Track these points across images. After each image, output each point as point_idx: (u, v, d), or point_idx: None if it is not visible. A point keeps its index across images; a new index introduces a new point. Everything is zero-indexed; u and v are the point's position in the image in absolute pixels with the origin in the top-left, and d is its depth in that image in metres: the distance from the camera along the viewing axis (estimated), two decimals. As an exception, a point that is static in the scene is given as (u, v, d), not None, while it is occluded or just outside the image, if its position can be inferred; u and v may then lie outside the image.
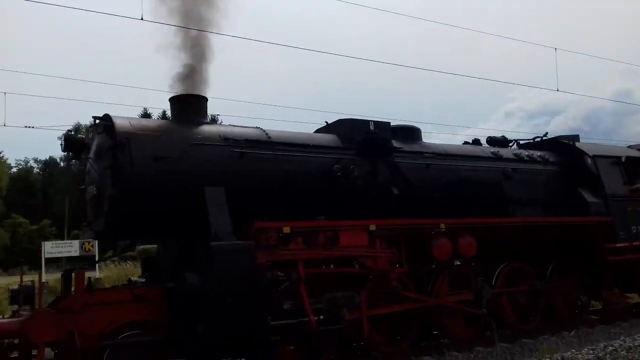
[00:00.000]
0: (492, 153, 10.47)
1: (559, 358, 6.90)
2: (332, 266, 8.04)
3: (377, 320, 8.11)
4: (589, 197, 10.80)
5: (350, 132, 8.88)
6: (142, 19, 8.92)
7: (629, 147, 12.94)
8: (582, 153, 11.21)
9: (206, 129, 7.73)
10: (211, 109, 9.54)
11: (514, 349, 8.84)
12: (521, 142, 12.09)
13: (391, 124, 9.68)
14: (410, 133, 9.93)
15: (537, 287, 10.02)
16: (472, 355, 8.47)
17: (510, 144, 11.67)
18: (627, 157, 11.57)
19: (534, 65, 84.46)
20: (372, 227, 7.91)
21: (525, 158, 10.83)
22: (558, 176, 11.01)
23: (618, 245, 10.73)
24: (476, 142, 11.09)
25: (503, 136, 11.59)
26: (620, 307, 11.04)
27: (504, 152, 10.75)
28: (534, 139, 12.07)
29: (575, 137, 12.16)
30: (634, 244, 10.97)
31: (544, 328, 9.92)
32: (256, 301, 6.60)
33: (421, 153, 9.48)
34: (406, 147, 9.38)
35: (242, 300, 6.50)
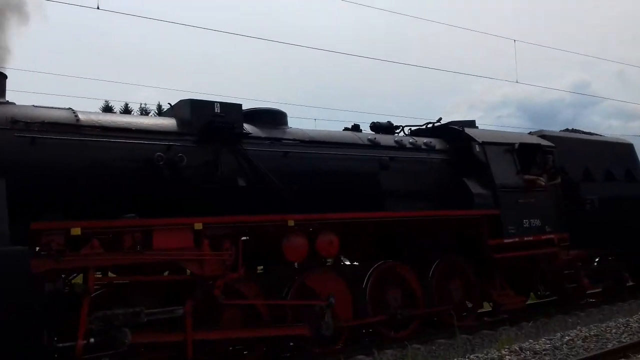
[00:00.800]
0: (370, 140, 9.41)
1: (517, 348, 7.17)
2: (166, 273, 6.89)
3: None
4: (475, 188, 9.88)
5: (192, 116, 7.66)
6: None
7: (529, 133, 12.11)
8: (469, 139, 10.28)
9: (-9, 109, 6.38)
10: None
11: (475, 340, 8.81)
12: (413, 128, 11.11)
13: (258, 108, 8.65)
14: (272, 117, 8.78)
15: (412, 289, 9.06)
16: (433, 347, 8.35)
17: (398, 130, 10.68)
18: (521, 144, 10.70)
19: (494, 58, 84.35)
20: (198, 226, 6.71)
21: (408, 146, 9.82)
22: (445, 165, 10.06)
23: (506, 240, 9.87)
24: (355, 127, 10.00)
25: (389, 122, 10.57)
26: (510, 309, 10.20)
27: (384, 139, 9.71)
28: (426, 124, 11.09)
29: (471, 123, 11.24)
30: (526, 239, 10.15)
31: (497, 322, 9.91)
32: (29, 320, 5.35)
33: (279, 139, 8.34)
34: (262, 133, 8.24)
35: (11, 318, 5.26)
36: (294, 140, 8.46)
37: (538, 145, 11.02)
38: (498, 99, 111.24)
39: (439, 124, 10.99)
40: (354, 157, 8.95)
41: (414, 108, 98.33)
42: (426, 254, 9.41)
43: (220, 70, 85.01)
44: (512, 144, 10.59)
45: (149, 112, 38.16)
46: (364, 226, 8.77)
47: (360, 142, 9.29)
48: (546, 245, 10.50)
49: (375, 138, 9.52)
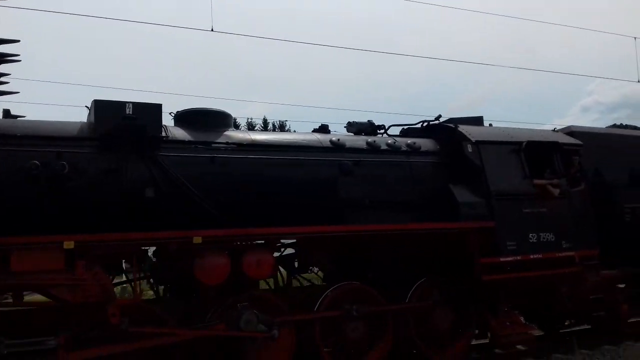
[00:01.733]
0: (332, 142, 8.10)
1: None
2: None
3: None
4: (462, 196, 8.25)
5: (97, 118, 6.79)
6: None
7: (553, 130, 10.16)
8: (462, 138, 8.67)
9: None
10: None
11: (595, 356, 8.36)
12: (404, 127, 9.65)
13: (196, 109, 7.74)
14: (209, 119, 7.72)
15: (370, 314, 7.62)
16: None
17: (382, 131, 9.25)
18: (530, 143, 8.90)
19: (612, 56, 78.06)
20: (68, 245, 5.78)
21: (383, 147, 8.41)
22: (432, 169, 8.50)
23: (503, 259, 8.16)
24: (323, 128, 8.71)
25: (369, 121, 9.18)
26: (514, 342, 8.43)
27: (352, 140, 8.37)
28: (422, 122, 9.57)
29: (477, 120, 9.58)
30: (533, 257, 8.37)
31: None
32: None
33: (208, 143, 7.28)
34: (189, 137, 7.22)
35: None
36: (227, 144, 7.37)
37: (555, 144, 9.14)
38: (616, 99, 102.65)
39: (435, 122, 9.43)
40: (305, 162, 7.69)
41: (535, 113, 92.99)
42: (400, 275, 7.96)
43: (329, 82, 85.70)
44: (518, 143, 8.83)
45: (255, 126, 38.18)
46: (320, 242, 7.52)
47: (319, 144, 8.01)
48: (564, 265, 8.64)
49: (339, 140, 8.20)
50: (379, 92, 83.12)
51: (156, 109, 7.06)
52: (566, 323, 10.07)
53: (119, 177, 6.53)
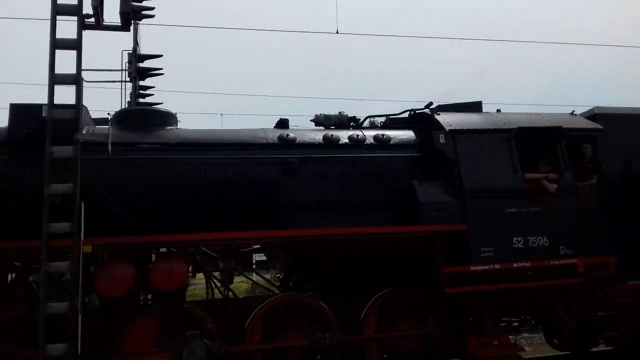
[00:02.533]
0: (280, 138, 7.37)
1: None
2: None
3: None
4: (426, 195, 7.12)
5: (12, 122, 6.64)
6: None
7: (571, 114, 8.51)
8: (435, 128, 7.52)
9: None
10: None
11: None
12: (393, 117, 8.62)
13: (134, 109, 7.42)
14: (149, 118, 7.34)
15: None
16: None
17: (357, 122, 8.30)
18: (522, 130, 7.51)
19: None
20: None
21: (343, 142, 7.53)
22: (403, 165, 7.48)
23: (475, 267, 6.97)
24: (282, 123, 7.95)
25: (340, 112, 8.27)
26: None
27: (306, 135, 7.57)
28: (410, 111, 8.49)
29: (475, 105, 8.33)
30: (517, 265, 7.08)
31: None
32: None
33: (133, 144, 6.88)
34: (114, 138, 6.86)
35: None
36: (152, 143, 6.93)
37: (556, 130, 7.65)
38: None
39: (422, 111, 8.31)
40: (240, 161, 7.04)
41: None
42: (354, 286, 7.09)
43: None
44: (507, 130, 7.50)
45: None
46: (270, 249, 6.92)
47: (263, 141, 7.33)
48: (564, 275, 7.24)
49: (288, 135, 7.44)
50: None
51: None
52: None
53: (26, 183, 6.33)
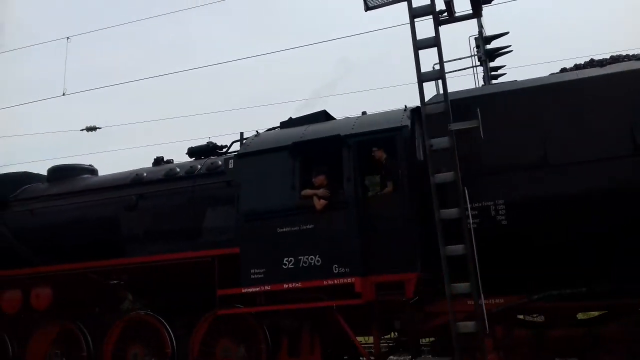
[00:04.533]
0: (133, 179, 8.78)
1: None
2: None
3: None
4: (210, 221, 7.73)
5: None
6: None
7: (405, 110, 7.18)
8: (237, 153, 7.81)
9: None
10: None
11: None
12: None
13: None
14: (69, 174, 9.64)
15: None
16: None
17: (222, 151, 8.92)
18: (298, 145, 7.15)
19: None
20: None
21: (180, 174, 8.47)
22: (209, 192, 8.05)
23: (245, 290, 7.13)
24: (157, 162, 9.20)
25: (209, 142, 9.03)
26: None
27: (153, 172, 8.75)
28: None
29: (315, 117, 8.09)
30: (287, 286, 6.95)
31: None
32: None
33: (39, 199, 9.28)
34: (33, 194, 9.40)
35: None
36: (36, 198, 9.22)
37: (334, 139, 7.02)
38: None
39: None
40: (96, 203, 8.75)
41: None
42: (186, 306, 8.02)
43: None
44: (286, 148, 7.29)
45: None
46: (107, 274, 8.55)
47: (122, 182, 8.86)
48: (339, 295, 6.77)
49: (140, 174, 8.78)
50: None
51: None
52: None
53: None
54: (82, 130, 15.62)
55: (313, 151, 7.20)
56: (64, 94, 13.37)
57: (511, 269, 6.37)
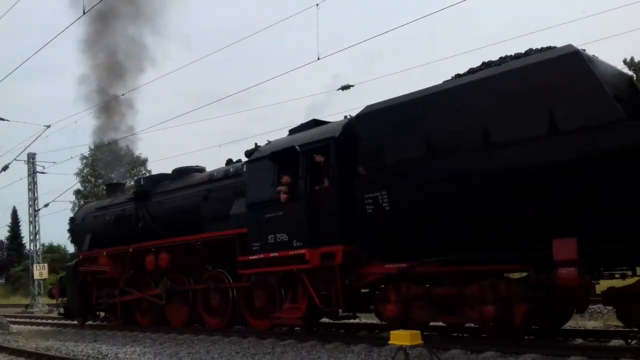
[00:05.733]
0: (209, 176, 12.43)
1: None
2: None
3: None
4: (234, 209, 10.81)
5: (140, 187, 14.41)
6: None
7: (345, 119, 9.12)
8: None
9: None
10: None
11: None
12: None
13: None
14: (184, 173, 13.77)
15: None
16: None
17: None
18: (274, 154, 9.83)
19: None
20: (105, 253, 14.07)
21: (221, 176, 12.01)
22: (237, 189, 11.31)
23: (251, 257, 10.26)
24: (228, 162, 12.61)
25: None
26: (284, 323, 10.11)
27: (213, 174, 12.36)
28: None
29: (307, 125, 10.58)
30: (272, 255, 9.89)
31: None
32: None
33: (164, 193, 13.56)
34: (162, 189, 13.75)
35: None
36: (168, 191, 13.46)
37: (291, 150, 9.54)
38: None
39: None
40: (188, 195, 12.67)
41: None
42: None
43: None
44: (266, 156, 10.08)
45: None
46: (181, 247, 12.52)
47: (204, 179, 12.58)
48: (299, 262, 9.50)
49: (212, 174, 12.40)
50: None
51: (156, 177, 14.08)
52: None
53: (135, 218, 14.11)
54: (337, 90, 15.18)
55: (282, 158, 9.89)
56: (318, 58, 13.37)
57: (403, 244, 8.35)
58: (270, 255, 9.94)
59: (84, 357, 9.96)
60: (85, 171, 48.67)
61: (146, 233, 13.54)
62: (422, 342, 6.34)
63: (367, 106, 9.05)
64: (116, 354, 10.09)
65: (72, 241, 19.59)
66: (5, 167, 19.51)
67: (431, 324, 8.91)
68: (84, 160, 46.78)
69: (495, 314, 7.53)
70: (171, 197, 13.30)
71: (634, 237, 6.37)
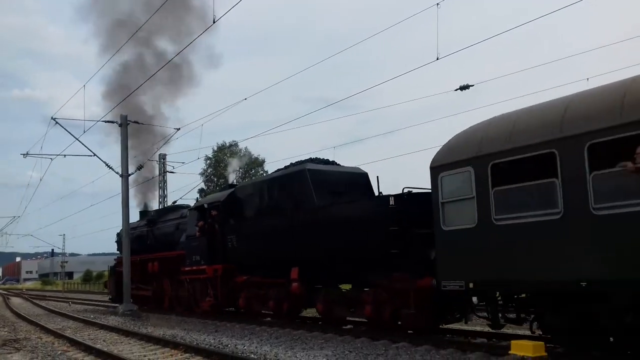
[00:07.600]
0: (181, 214, 19.39)
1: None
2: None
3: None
4: (182, 237, 17.66)
5: (151, 216, 21.71)
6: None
7: (229, 186, 15.73)
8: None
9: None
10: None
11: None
12: None
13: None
14: (177, 208, 20.85)
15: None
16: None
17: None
18: (194, 208, 16.70)
19: None
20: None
21: (185, 214, 18.76)
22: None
23: (185, 268, 17.07)
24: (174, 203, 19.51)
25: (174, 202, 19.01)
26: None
27: (184, 212, 19.21)
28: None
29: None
30: (195, 268, 16.63)
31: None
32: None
33: (163, 221, 20.72)
34: (163, 218, 20.93)
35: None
36: (160, 221, 20.58)
37: (202, 206, 16.25)
38: None
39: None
40: (167, 224, 19.73)
41: None
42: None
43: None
44: (194, 208, 16.88)
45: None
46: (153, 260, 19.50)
47: (178, 215, 19.55)
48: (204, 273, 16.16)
49: (185, 213, 19.37)
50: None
51: (162, 210, 21.38)
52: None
53: (147, 237, 21.43)
54: (455, 90, 14.58)
55: (199, 210, 16.66)
56: (437, 59, 12.66)
57: (245, 266, 14.76)
58: (193, 268, 16.71)
59: (207, 347, 10.35)
60: (208, 171, 51.61)
61: (152, 247, 20.64)
62: (545, 353, 6.15)
63: (241, 182, 15.63)
64: (235, 345, 10.80)
65: (118, 249, 27.17)
66: (140, 167, 21.97)
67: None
68: (207, 161, 50.91)
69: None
70: (163, 225, 20.42)
71: (318, 268, 12.36)
